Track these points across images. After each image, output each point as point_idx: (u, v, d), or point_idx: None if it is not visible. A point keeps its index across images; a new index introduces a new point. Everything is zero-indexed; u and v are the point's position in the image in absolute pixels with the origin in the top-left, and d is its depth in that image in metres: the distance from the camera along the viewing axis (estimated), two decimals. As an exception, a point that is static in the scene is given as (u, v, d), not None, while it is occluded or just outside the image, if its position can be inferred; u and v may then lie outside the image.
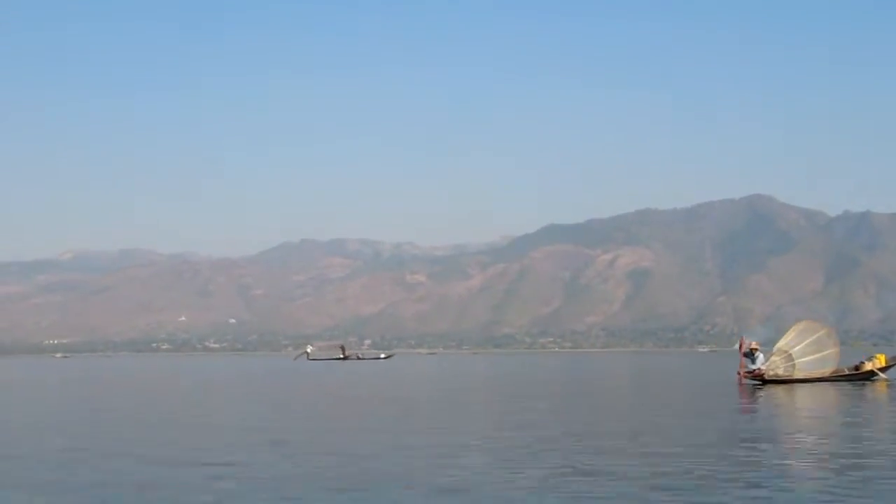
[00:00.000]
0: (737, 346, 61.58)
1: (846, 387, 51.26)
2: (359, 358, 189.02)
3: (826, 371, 56.14)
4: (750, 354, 56.41)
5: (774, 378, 54.03)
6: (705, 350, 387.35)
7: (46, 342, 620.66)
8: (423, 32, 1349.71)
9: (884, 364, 56.97)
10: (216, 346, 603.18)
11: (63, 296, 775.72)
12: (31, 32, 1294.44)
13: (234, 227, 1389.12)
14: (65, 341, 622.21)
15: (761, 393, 47.29)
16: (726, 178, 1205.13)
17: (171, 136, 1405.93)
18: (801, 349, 55.17)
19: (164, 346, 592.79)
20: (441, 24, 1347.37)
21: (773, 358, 55.09)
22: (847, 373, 57.18)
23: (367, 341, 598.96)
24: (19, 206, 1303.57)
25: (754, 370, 55.10)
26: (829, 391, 48.34)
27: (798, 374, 54.52)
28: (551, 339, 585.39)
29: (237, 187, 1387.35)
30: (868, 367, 56.88)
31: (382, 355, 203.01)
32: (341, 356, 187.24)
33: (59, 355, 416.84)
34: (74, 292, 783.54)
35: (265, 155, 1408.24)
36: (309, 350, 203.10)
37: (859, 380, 55.90)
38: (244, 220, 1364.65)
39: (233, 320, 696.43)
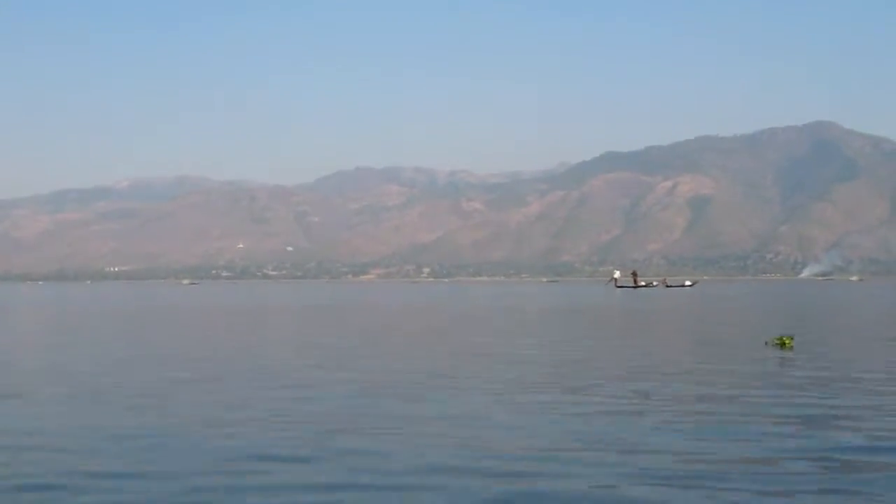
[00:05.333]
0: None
1: None
2: (667, 286, 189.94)
3: None
4: None
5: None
6: (855, 279, 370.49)
7: (108, 269, 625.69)
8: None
9: None
10: (275, 273, 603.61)
11: (122, 223, 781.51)
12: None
13: (289, 154, 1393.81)
14: (126, 268, 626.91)
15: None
16: (789, 104, 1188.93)
17: (225, 63, 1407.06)
18: None
19: (224, 274, 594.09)
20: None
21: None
22: None
23: (426, 269, 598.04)
24: (75, 134, 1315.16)
25: None
26: None
27: None
28: (612, 267, 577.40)
29: (291, 114, 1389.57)
30: None
31: (688, 283, 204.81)
32: (638, 283, 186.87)
33: (185, 282, 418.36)
34: (133, 220, 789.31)
35: (318, 82, 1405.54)
36: (617, 276, 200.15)
37: None
38: (298, 147, 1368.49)
39: (290, 248, 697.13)
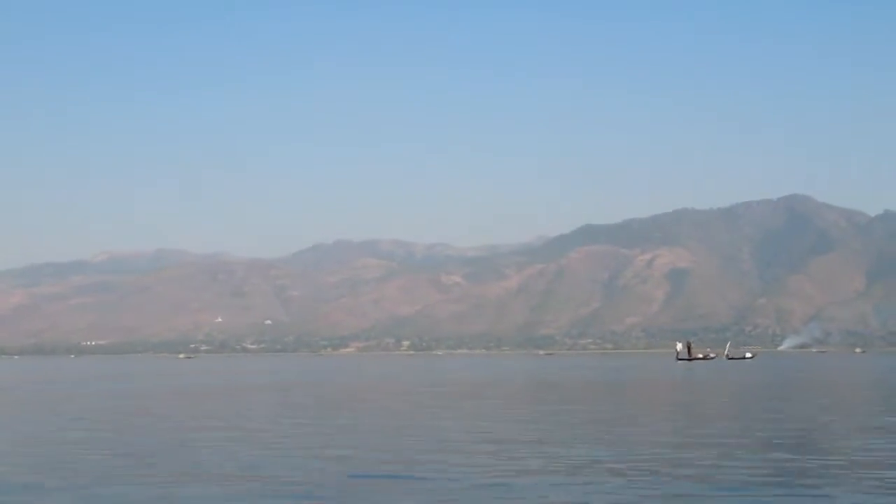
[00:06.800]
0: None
1: None
2: (728, 357, 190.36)
3: None
4: None
5: None
6: (859, 351, 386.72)
7: (84, 343, 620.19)
8: (455, 37, 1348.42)
9: None
10: (254, 346, 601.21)
11: (98, 297, 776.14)
12: (54, 36, 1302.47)
13: (267, 227, 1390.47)
14: (103, 342, 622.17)
15: None
16: (764, 177, 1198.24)
17: (203, 138, 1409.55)
18: None
19: (202, 348, 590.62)
20: (476, 28, 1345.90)
21: None
22: None
23: (406, 342, 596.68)
24: (52, 208, 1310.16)
25: None
26: None
27: None
28: (591, 339, 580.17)
29: (269, 188, 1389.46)
30: None
31: (748, 354, 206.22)
32: (695, 356, 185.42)
33: (181, 355, 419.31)
34: (110, 293, 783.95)
35: (295, 156, 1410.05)
36: (679, 348, 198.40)
37: None
38: (277, 220, 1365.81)
39: (269, 321, 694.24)
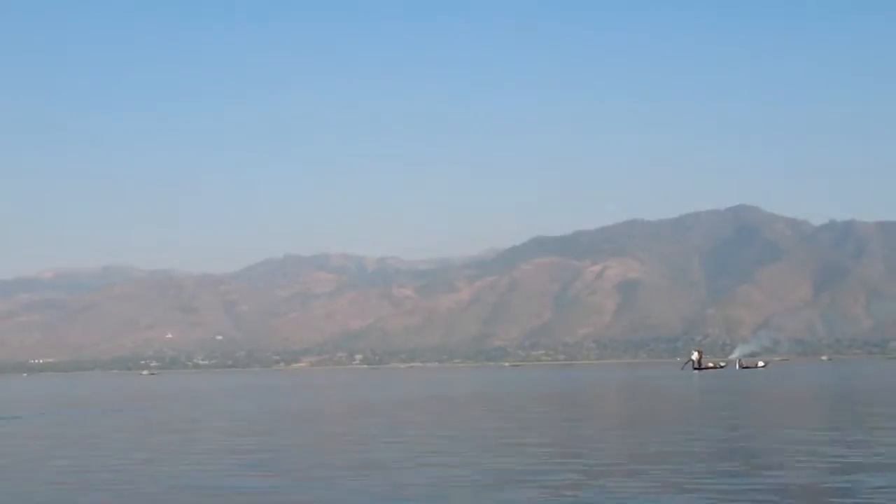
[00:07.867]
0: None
1: None
2: (742, 367, 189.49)
3: None
4: None
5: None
6: (825, 358, 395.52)
7: (32, 361, 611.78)
8: (404, 48, 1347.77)
9: None
10: (205, 362, 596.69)
11: (46, 314, 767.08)
12: (10, 49, 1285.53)
13: (216, 242, 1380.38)
14: (51, 360, 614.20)
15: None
16: (711, 188, 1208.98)
17: (150, 152, 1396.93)
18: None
19: (152, 364, 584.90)
20: (421, 39, 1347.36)
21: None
22: None
23: (359, 355, 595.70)
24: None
25: None
26: None
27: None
28: (543, 351, 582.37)
29: (218, 203, 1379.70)
30: None
31: (760, 364, 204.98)
32: (705, 365, 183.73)
33: (145, 372, 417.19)
34: (57, 311, 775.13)
35: (245, 171, 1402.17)
36: (694, 357, 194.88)
37: None
38: (226, 235, 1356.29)
39: (220, 337, 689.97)
